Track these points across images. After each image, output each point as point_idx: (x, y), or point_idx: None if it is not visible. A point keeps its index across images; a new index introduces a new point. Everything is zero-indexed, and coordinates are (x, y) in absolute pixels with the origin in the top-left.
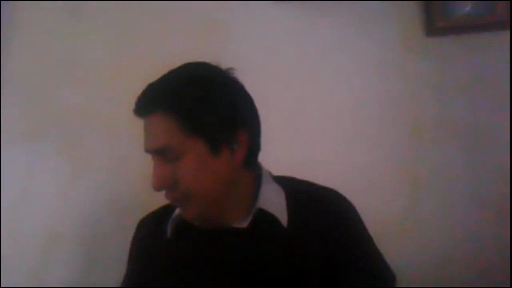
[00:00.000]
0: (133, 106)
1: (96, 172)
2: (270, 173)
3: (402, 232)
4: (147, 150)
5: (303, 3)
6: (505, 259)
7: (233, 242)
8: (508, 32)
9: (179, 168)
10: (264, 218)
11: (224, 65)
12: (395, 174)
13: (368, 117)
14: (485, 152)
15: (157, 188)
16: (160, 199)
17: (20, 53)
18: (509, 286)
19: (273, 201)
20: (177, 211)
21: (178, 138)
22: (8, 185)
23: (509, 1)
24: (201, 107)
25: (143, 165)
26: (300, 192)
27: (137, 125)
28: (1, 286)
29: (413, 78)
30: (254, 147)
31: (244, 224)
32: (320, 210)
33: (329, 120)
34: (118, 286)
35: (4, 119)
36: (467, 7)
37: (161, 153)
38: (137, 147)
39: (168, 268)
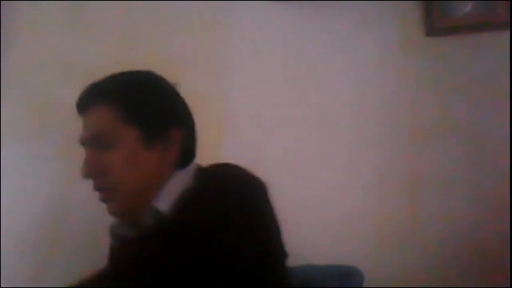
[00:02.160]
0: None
1: None
2: (197, 167)
3: (402, 232)
4: (82, 141)
5: (303, 3)
6: (505, 259)
7: (131, 248)
8: (508, 32)
9: (111, 156)
10: (151, 215)
11: (224, 65)
12: (395, 174)
13: (368, 117)
14: (485, 152)
15: (85, 175)
16: None
17: (20, 53)
18: (509, 286)
19: (170, 199)
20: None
21: (113, 125)
22: (8, 185)
23: (509, 1)
24: (138, 99)
25: None
26: (204, 181)
27: None
28: (1, 286)
29: (413, 78)
30: (188, 147)
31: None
32: (196, 193)
33: (329, 120)
34: None
35: (4, 119)
36: (467, 7)
37: (94, 140)
38: None
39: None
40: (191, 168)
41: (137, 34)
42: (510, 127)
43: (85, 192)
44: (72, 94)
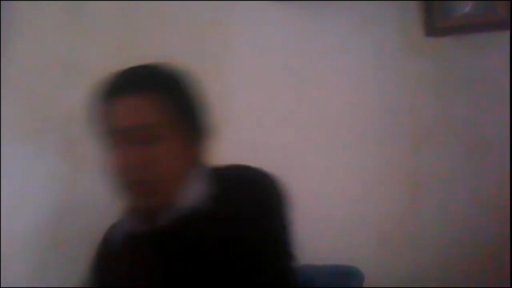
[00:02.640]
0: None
1: (96, 172)
2: (209, 167)
3: (402, 232)
4: (118, 130)
5: (303, 3)
6: (505, 259)
7: (161, 244)
8: (508, 32)
9: (157, 150)
10: (191, 214)
11: (224, 65)
12: (395, 174)
13: (368, 117)
14: (485, 152)
15: (128, 168)
16: None
17: (20, 53)
18: (509, 286)
19: (200, 196)
20: (123, 219)
21: (160, 118)
22: (8, 185)
23: (509, 1)
24: (186, 96)
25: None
26: (226, 181)
27: None
28: (1, 286)
29: (413, 78)
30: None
31: (172, 223)
32: (243, 195)
33: (328, 120)
34: None
35: (4, 119)
36: (467, 7)
37: (137, 132)
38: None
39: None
40: (203, 168)
41: (137, 34)
42: (510, 127)
43: (85, 192)
44: (72, 94)
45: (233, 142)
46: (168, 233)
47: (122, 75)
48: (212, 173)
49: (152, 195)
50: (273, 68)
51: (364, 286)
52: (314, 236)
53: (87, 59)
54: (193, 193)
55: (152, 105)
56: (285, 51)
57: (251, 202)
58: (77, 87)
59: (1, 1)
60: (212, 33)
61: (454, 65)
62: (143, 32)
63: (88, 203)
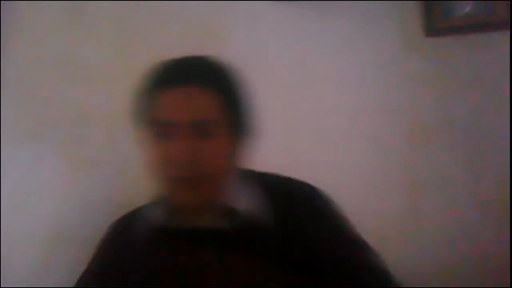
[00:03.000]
0: (160, 74)
1: (96, 172)
2: (249, 171)
3: (402, 232)
4: (174, 120)
5: (303, 3)
6: (505, 259)
7: (216, 245)
8: (508, 32)
9: (211, 145)
10: (245, 218)
11: None
12: (394, 174)
13: (368, 117)
14: (485, 152)
15: (178, 163)
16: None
17: (20, 53)
18: (509, 286)
19: (251, 200)
20: (152, 212)
21: (217, 113)
22: (8, 185)
23: (509, 1)
24: (235, 92)
25: (143, 166)
26: (276, 189)
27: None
28: (1, 286)
29: (413, 78)
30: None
31: (225, 224)
32: (299, 206)
33: (328, 120)
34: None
35: (4, 119)
36: (467, 7)
37: (195, 125)
38: (138, 147)
39: (150, 274)
40: (243, 169)
41: (137, 34)
42: (510, 127)
43: (85, 192)
44: (72, 94)
45: None
46: (232, 236)
47: (175, 65)
48: (256, 178)
49: (199, 192)
50: (272, 68)
51: None
52: None
53: (87, 59)
54: (244, 198)
55: (208, 99)
56: (284, 51)
57: (309, 218)
58: (77, 87)
59: (1, 1)
60: (212, 33)
61: (454, 65)
62: (143, 32)
63: (88, 203)
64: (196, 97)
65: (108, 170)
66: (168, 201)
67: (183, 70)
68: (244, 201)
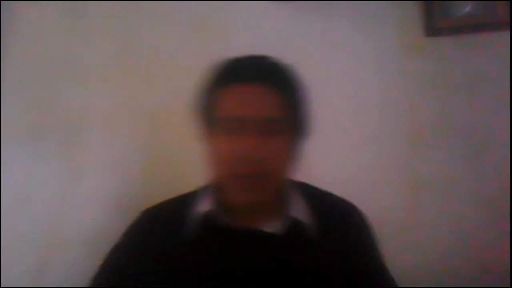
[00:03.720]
0: (228, 71)
1: (97, 173)
2: (290, 179)
3: (402, 232)
4: (250, 117)
5: (303, 3)
6: (505, 259)
7: (269, 250)
8: (508, 32)
9: (275, 143)
10: (295, 227)
11: None
12: (394, 174)
13: (368, 117)
14: (485, 152)
15: (253, 158)
16: (158, 199)
17: (20, 53)
18: (509, 286)
19: (301, 210)
20: (201, 208)
21: (283, 113)
22: (8, 185)
23: (509, 1)
24: (298, 92)
25: (143, 166)
26: (322, 202)
27: (138, 126)
28: (1, 286)
29: (412, 78)
30: None
31: (277, 230)
32: (344, 223)
33: (328, 120)
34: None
35: (4, 119)
36: (467, 7)
37: (265, 123)
38: (138, 147)
39: (193, 271)
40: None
41: (137, 34)
42: (510, 127)
43: (85, 192)
44: (72, 94)
45: None
46: (282, 243)
47: (244, 63)
48: (299, 187)
49: (261, 190)
50: None
51: None
52: None
53: (87, 59)
54: (296, 206)
55: (276, 98)
56: (284, 51)
57: (351, 237)
58: (77, 87)
59: (1, 1)
60: (212, 33)
61: (454, 65)
62: (143, 32)
63: (88, 203)
64: (266, 95)
65: (107, 171)
66: (223, 198)
67: (253, 68)
68: (295, 207)
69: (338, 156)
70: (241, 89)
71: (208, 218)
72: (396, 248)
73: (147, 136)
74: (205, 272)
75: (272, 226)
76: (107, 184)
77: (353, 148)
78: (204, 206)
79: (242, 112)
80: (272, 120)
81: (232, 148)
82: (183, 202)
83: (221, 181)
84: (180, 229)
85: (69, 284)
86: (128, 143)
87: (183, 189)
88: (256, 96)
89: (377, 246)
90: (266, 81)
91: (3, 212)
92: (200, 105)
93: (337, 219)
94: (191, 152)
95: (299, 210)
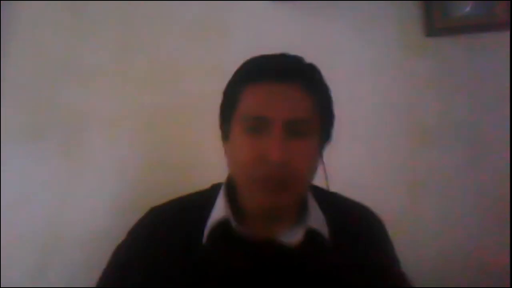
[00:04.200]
0: (259, 67)
1: (97, 173)
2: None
3: (401, 232)
4: (277, 117)
5: (303, 3)
6: (505, 259)
7: (285, 262)
8: (508, 32)
9: (302, 146)
10: (312, 237)
11: (223, 65)
12: (394, 174)
13: (368, 117)
14: (485, 152)
15: (280, 161)
16: (159, 200)
17: (20, 53)
18: (509, 286)
19: (318, 218)
20: (216, 215)
21: (314, 116)
22: (8, 185)
23: (509, 1)
24: (329, 96)
25: (143, 166)
26: (338, 208)
27: (138, 126)
28: (1, 286)
29: (412, 78)
30: None
31: (293, 240)
32: (360, 229)
33: None
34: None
35: (4, 119)
36: (467, 7)
37: (293, 124)
38: (138, 147)
39: (207, 279)
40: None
41: (136, 34)
42: (510, 127)
43: (85, 192)
44: (72, 94)
45: None
46: (299, 255)
47: (274, 61)
48: (318, 194)
49: (285, 195)
50: None
51: None
52: None
53: (87, 59)
54: (313, 214)
55: (305, 99)
56: (284, 51)
57: (367, 244)
58: (77, 87)
59: (1, 1)
60: (212, 33)
61: (454, 65)
62: (143, 32)
63: (88, 203)
64: (295, 95)
65: (108, 171)
66: (240, 202)
67: (283, 67)
68: (313, 215)
69: (338, 156)
70: (273, 87)
71: (222, 225)
72: (395, 248)
73: (147, 136)
74: (221, 281)
75: (289, 236)
76: (107, 184)
77: (353, 148)
78: (218, 212)
79: (272, 112)
80: (302, 121)
81: (257, 150)
82: (193, 204)
83: (241, 183)
84: (191, 235)
85: (69, 284)
86: (128, 143)
87: (183, 189)
88: (288, 96)
89: (393, 250)
90: (299, 81)
91: (3, 212)
92: (225, 102)
93: (354, 227)
94: (191, 152)
95: (317, 219)
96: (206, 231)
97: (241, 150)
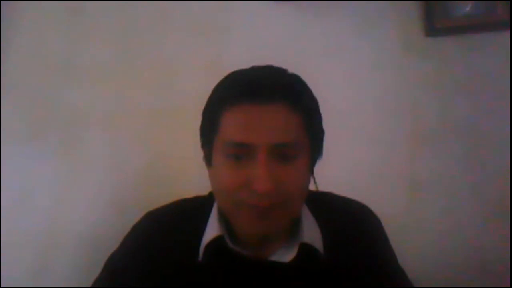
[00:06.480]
0: (238, 89)
1: (97, 173)
2: None
3: (402, 232)
4: (261, 142)
5: (303, 3)
6: (505, 259)
7: (279, 279)
8: (508, 32)
9: (293, 170)
10: (306, 252)
11: (223, 65)
12: (394, 174)
13: (368, 117)
14: (485, 152)
15: (270, 191)
16: (158, 199)
17: (20, 53)
18: (509, 286)
19: (313, 232)
20: (211, 233)
21: (303, 136)
22: (8, 185)
23: (509, 1)
24: (317, 111)
25: (143, 166)
26: (332, 214)
27: (138, 126)
28: (1, 286)
29: (412, 78)
30: None
31: (287, 257)
32: (358, 228)
33: (328, 121)
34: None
35: (4, 119)
36: (467, 7)
37: (282, 150)
38: (138, 147)
39: None
40: None
41: (136, 34)
42: (510, 127)
43: (85, 192)
44: (72, 94)
45: None
46: (294, 274)
47: (257, 78)
48: (311, 200)
49: (274, 222)
50: None
51: None
52: None
53: (87, 59)
54: (307, 228)
55: (293, 119)
56: (284, 51)
57: (364, 245)
58: (77, 87)
59: (1, 1)
60: (212, 33)
61: (454, 65)
62: (143, 32)
63: (88, 203)
64: (280, 116)
65: (107, 171)
66: (230, 224)
67: (265, 85)
68: (307, 229)
69: (338, 156)
70: (254, 109)
71: (217, 242)
72: (395, 248)
73: (147, 136)
74: None
75: (283, 253)
76: (107, 184)
77: (353, 148)
78: (212, 229)
79: (254, 138)
80: (289, 144)
81: (242, 177)
82: (189, 214)
83: (226, 211)
84: (186, 250)
85: (69, 284)
86: (128, 143)
87: (182, 188)
88: (272, 118)
89: (391, 249)
90: (286, 100)
91: (3, 212)
92: (204, 124)
93: (352, 226)
94: (191, 152)
95: (310, 232)
96: (202, 248)
97: (224, 177)
